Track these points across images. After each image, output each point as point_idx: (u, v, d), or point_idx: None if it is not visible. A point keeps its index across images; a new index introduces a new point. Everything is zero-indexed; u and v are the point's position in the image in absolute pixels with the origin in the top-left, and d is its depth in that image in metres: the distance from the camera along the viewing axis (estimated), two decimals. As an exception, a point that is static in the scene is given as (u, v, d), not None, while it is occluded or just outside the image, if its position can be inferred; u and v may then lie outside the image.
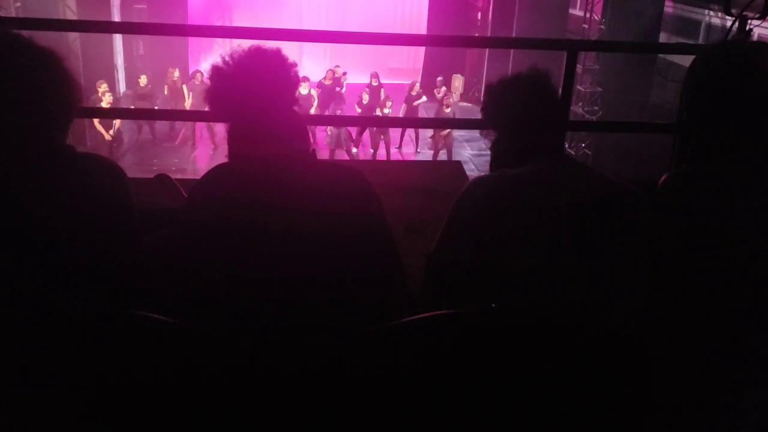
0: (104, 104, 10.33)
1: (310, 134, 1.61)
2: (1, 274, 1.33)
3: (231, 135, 1.43)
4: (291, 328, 1.24)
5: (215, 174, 1.45)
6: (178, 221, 1.46)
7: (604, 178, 1.54)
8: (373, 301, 1.36)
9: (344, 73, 12.99)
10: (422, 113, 12.57)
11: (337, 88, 12.65)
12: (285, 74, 1.42)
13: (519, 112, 1.61)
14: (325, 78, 12.68)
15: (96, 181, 1.42)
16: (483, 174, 1.58)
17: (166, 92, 12.22)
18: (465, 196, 1.54)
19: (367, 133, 12.34)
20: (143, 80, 11.89)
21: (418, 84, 12.80)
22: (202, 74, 11.55)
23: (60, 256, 1.36)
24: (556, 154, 1.57)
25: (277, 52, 1.42)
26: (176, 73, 12.30)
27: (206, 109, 1.45)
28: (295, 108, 1.47)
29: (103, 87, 10.78)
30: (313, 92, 12.04)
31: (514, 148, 1.60)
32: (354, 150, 12.17)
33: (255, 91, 1.38)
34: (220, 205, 1.37)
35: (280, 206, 1.34)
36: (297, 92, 1.48)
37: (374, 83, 12.54)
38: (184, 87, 12.11)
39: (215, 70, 1.39)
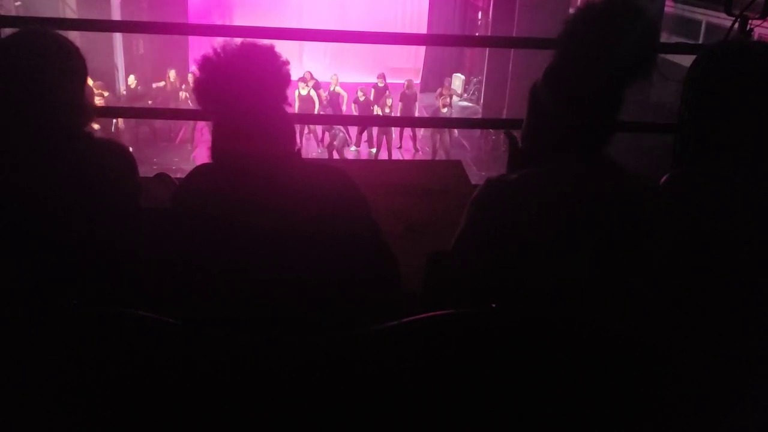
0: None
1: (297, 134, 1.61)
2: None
3: (216, 132, 1.40)
4: (279, 327, 1.23)
5: (198, 173, 1.45)
6: (163, 220, 1.47)
7: (623, 178, 1.46)
8: (364, 300, 1.35)
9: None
10: (422, 112, 12.55)
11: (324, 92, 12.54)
12: (276, 71, 1.38)
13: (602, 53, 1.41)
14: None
15: (104, 165, 1.52)
16: (497, 176, 1.46)
17: (166, 90, 12.21)
18: (478, 198, 1.48)
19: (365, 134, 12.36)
20: (131, 80, 11.87)
21: (407, 81, 12.68)
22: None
23: (62, 240, 1.44)
24: (587, 153, 1.45)
25: (270, 49, 1.39)
26: (172, 74, 12.29)
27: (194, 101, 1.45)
28: (285, 106, 1.45)
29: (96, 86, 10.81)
30: (313, 93, 12.00)
31: (554, 135, 1.45)
32: (353, 149, 12.17)
33: (243, 85, 1.35)
34: (203, 204, 1.37)
35: (263, 206, 1.33)
36: (288, 90, 1.45)
37: (380, 84, 12.52)
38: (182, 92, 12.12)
39: (205, 61, 1.36)
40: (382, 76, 12.61)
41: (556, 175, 1.42)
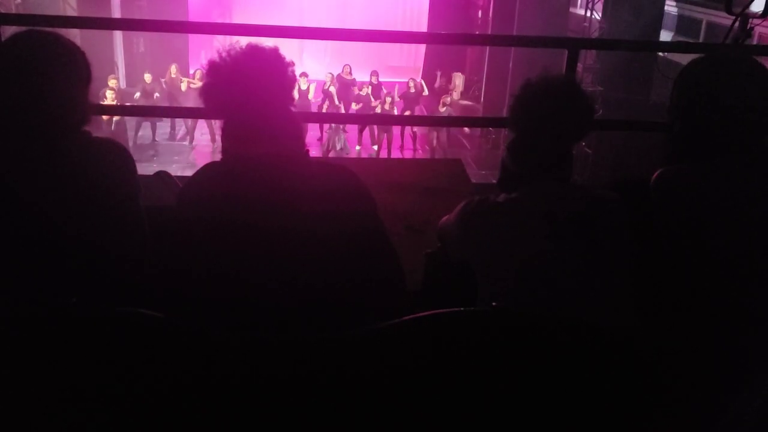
0: (109, 100, 10.32)
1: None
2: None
3: (225, 132, 1.43)
4: (284, 327, 1.24)
5: (206, 171, 1.45)
6: (168, 218, 1.47)
7: (580, 190, 1.63)
8: (369, 299, 1.36)
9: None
10: (422, 111, 12.56)
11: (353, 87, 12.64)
12: (281, 73, 1.41)
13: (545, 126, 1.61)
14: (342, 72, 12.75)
15: (103, 164, 1.54)
16: (478, 198, 1.63)
17: (164, 86, 12.19)
18: (458, 213, 1.64)
19: (366, 132, 12.37)
20: (148, 78, 11.90)
21: (412, 81, 12.70)
22: (203, 72, 11.44)
23: (62, 240, 1.45)
24: (552, 178, 1.61)
25: (275, 51, 1.41)
26: (174, 69, 12.29)
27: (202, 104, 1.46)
28: (291, 107, 1.47)
29: (112, 82, 10.82)
30: (332, 89, 12.06)
31: (520, 173, 1.63)
32: (357, 147, 12.19)
33: (250, 88, 1.37)
34: (211, 203, 1.37)
35: (272, 205, 1.34)
36: (294, 90, 1.47)
37: (374, 81, 12.55)
38: (183, 83, 12.09)
39: (211, 66, 1.38)
40: (375, 74, 12.56)
41: (535, 195, 1.58)
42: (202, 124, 12.08)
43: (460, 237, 1.62)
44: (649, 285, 1.58)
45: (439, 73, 13.51)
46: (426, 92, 12.65)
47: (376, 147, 12.22)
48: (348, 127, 12.22)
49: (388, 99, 11.90)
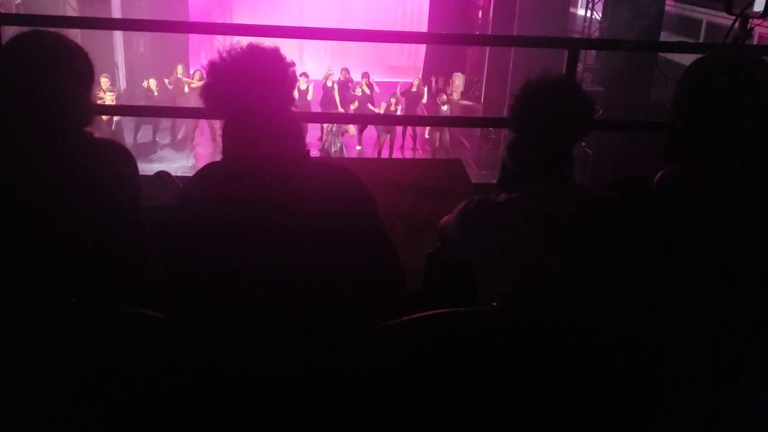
0: (108, 101, 10.33)
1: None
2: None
3: (225, 132, 1.43)
4: (285, 327, 1.24)
5: (207, 171, 1.45)
6: (169, 218, 1.47)
7: (580, 190, 1.63)
8: (369, 299, 1.36)
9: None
10: (423, 111, 12.58)
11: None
12: (282, 73, 1.41)
13: (545, 125, 1.61)
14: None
15: (105, 165, 1.54)
16: (478, 198, 1.63)
17: (168, 87, 12.21)
18: (458, 213, 1.64)
19: (368, 132, 12.36)
20: (152, 84, 11.91)
21: (417, 80, 12.72)
22: (202, 73, 11.52)
23: (63, 240, 1.45)
24: (552, 178, 1.61)
25: (275, 51, 1.41)
26: (180, 70, 12.30)
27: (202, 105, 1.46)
28: (292, 107, 1.47)
29: (103, 81, 10.83)
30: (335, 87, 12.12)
31: (520, 173, 1.64)
32: (358, 147, 12.18)
33: (251, 88, 1.37)
34: (212, 203, 1.37)
35: (272, 205, 1.34)
36: (294, 91, 1.47)
37: (365, 82, 12.59)
38: (185, 85, 12.11)
39: (212, 66, 1.39)
40: (366, 76, 12.63)
41: (536, 195, 1.58)
42: (203, 125, 12.08)
43: (460, 237, 1.62)
44: (649, 285, 1.58)
45: (433, 79, 13.56)
46: (425, 99, 12.68)
47: (389, 135, 12.16)
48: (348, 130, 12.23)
49: (393, 100, 11.90)
